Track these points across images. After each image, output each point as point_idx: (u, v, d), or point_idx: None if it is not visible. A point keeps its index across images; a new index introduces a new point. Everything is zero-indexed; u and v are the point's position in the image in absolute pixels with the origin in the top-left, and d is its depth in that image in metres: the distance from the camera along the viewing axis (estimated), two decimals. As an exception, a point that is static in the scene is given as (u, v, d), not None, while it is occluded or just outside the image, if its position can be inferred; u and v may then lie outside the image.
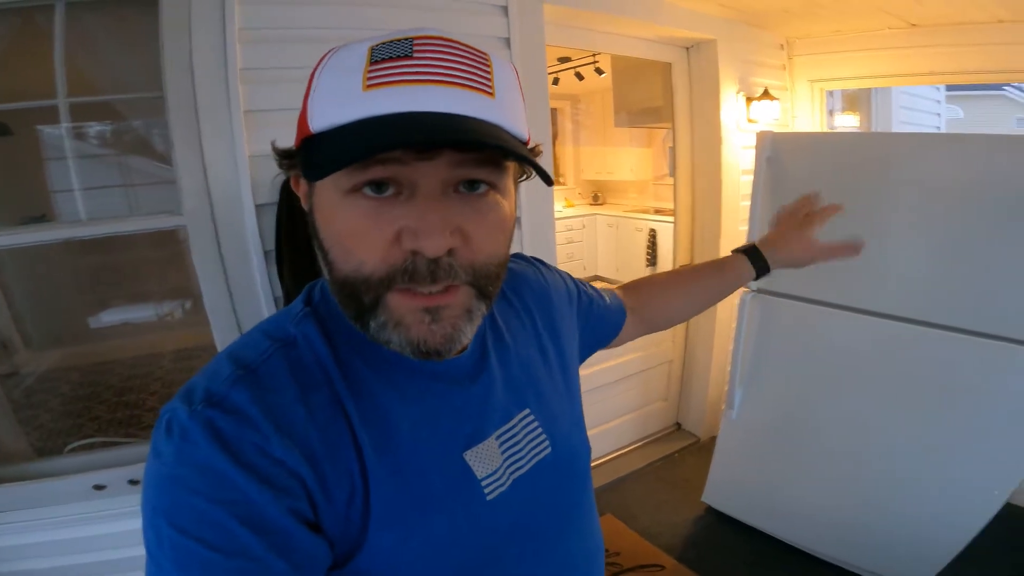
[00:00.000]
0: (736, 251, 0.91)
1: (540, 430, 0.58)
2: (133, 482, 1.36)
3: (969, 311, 1.52)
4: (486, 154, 0.41)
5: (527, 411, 0.58)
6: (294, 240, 1.37)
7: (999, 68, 2.29)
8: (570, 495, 0.61)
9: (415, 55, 0.40)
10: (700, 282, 0.90)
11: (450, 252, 0.42)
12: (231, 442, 0.40)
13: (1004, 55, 2.20)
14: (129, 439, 1.68)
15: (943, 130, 5.68)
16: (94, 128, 1.85)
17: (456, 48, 0.42)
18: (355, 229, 0.42)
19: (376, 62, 0.40)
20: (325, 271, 0.46)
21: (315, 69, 0.44)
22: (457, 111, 0.39)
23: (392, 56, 0.40)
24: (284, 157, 0.47)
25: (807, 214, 0.91)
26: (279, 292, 1.44)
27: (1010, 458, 1.52)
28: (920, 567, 1.71)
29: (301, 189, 0.48)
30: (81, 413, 2.31)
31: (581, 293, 0.77)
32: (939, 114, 5.69)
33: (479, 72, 0.42)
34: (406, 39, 0.41)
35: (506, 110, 0.43)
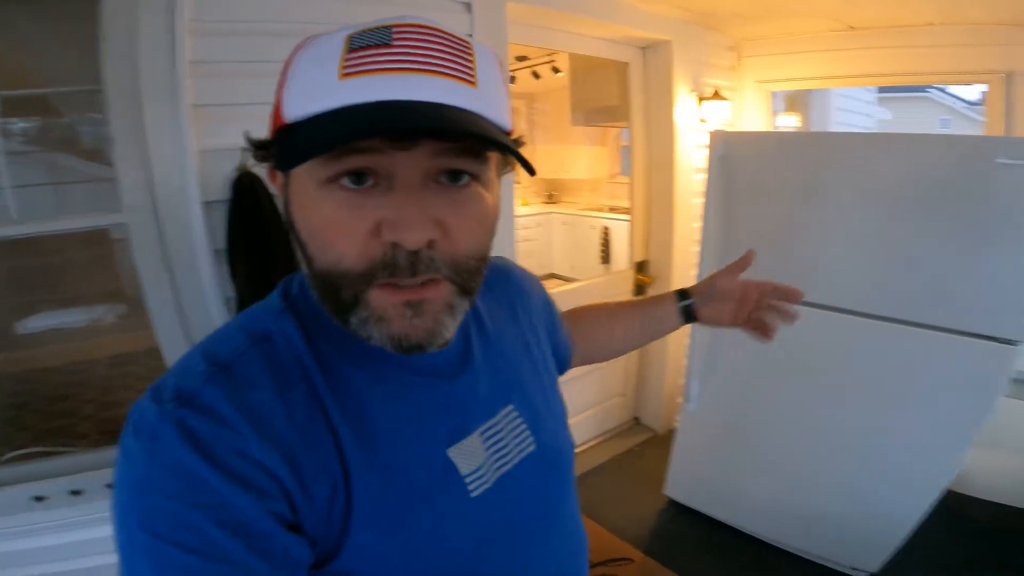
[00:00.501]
0: (677, 296, 0.85)
1: (524, 426, 0.57)
2: (75, 492, 1.29)
3: (904, 302, 1.60)
4: (467, 144, 0.40)
5: (511, 407, 0.57)
6: (248, 238, 1.31)
7: (928, 70, 2.44)
8: (555, 492, 0.60)
9: (394, 43, 0.39)
10: (636, 322, 0.87)
11: (430, 244, 0.41)
12: (205, 442, 0.38)
13: (933, 57, 2.35)
14: (68, 448, 1.58)
15: (874, 130, 6.01)
16: (18, 124, 1.72)
17: (437, 36, 0.40)
18: (333, 221, 0.40)
19: (354, 50, 0.39)
20: (304, 265, 0.45)
21: (290, 58, 0.43)
22: (437, 100, 0.38)
23: (370, 44, 0.39)
24: (258, 148, 0.45)
25: (746, 298, 0.83)
26: (231, 292, 1.37)
27: (948, 444, 1.60)
28: (870, 554, 1.79)
29: (277, 181, 0.46)
30: (12, 423, 2.15)
31: (551, 305, 0.76)
32: (870, 115, 6.04)
33: (461, 61, 0.40)
34: (385, 27, 0.40)
35: (488, 99, 0.41)
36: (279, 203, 1.38)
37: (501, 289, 0.65)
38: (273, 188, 0.47)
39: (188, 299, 1.36)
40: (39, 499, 1.27)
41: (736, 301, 0.82)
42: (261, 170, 1.33)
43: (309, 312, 0.48)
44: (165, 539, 0.36)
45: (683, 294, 0.84)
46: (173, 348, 1.36)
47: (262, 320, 0.48)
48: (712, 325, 0.84)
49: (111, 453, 1.40)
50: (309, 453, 0.42)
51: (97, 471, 1.34)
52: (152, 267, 1.32)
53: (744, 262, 0.83)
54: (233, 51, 1.32)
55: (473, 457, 0.51)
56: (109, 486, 1.27)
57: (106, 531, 1.28)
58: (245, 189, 1.30)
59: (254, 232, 1.31)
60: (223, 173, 1.32)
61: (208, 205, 1.32)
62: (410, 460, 0.47)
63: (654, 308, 0.85)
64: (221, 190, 1.32)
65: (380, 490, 0.44)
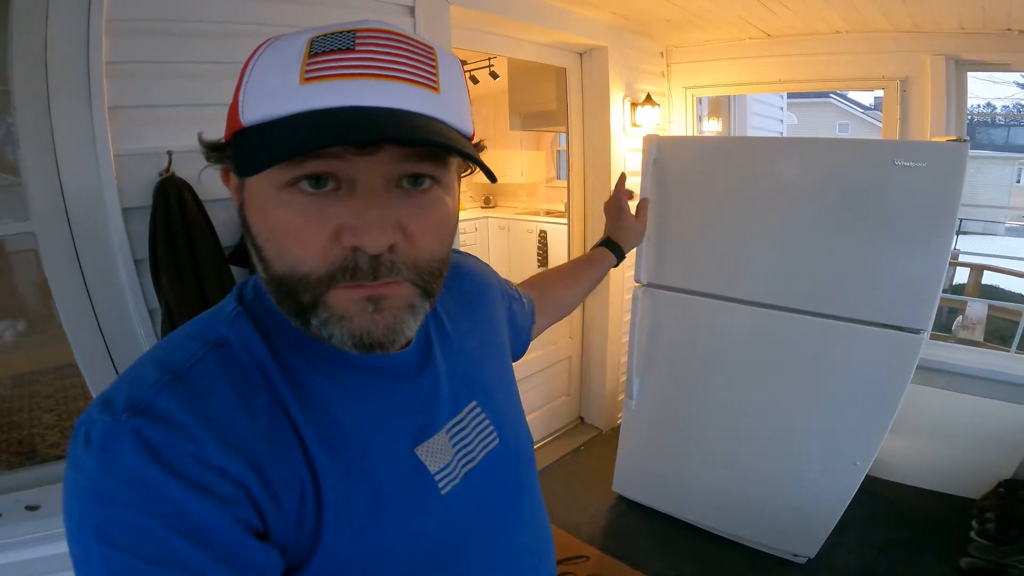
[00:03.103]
0: (597, 245, 1.12)
1: (488, 422, 0.58)
2: (31, 508, 1.22)
3: (820, 296, 1.72)
4: (429, 148, 0.40)
5: (474, 403, 0.57)
6: (171, 246, 1.23)
7: (834, 76, 2.65)
8: (520, 485, 0.61)
9: (357, 47, 0.38)
10: (583, 272, 1.07)
11: (392, 249, 0.41)
12: (161, 451, 0.37)
13: (838, 64, 2.55)
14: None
15: (785, 134, 6.45)
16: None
17: (400, 41, 0.40)
18: (291, 226, 0.40)
19: (316, 54, 0.38)
20: (259, 269, 0.44)
21: (248, 60, 0.42)
22: (400, 106, 0.38)
23: (333, 49, 0.38)
24: (212, 150, 0.43)
25: (623, 205, 1.15)
26: (155, 304, 1.28)
27: (863, 430, 1.72)
28: (807, 540, 1.90)
29: (231, 183, 0.45)
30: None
31: (509, 290, 0.78)
32: (782, 120, 6.48)
33: (423, 66, 0.40)
34: (348, 31, 0.39)
35: (450, 105, 0.42)
36: (210, 210, 1.31)
37: (457, 286, 0.65)
38: (227, 189, 0.46)
39: (107, 312, 1.26)
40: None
41: (637, 220, 1.18)
42: (191, 175, 1.26)
43: (266, 316, 0.47)
44: (124, 550, 0.35)
45: (608, 243, 1.11)
46: (93, 364, 1.26)
47: (215, 326, 0.46)
48: (633, 247, 1.17)
49: (26, 474, 1.31)
50: (275, 459, 0.41)
51: (13, 493, 1.25)
52: (65, 279, 1.21)
53: (622, 186, 1.18)
54: (154, 51, 1.25)
55: (441, 455, 0.51)
56: (29, 508, 1.18)
57: (28, 554, 1.17)
58: (170, 195, 1.22)
59: (179, 240, 1.23)
60: (144, 178, 1.23)
61: (128, 212, 1.23)
62: (377, 461, 0.47)
63: (597, 262, 1.08)
64: (142, 196, 1.24)
65: (350, 492, 0.44)
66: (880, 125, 2.76)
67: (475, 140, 0.47)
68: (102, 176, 1.18)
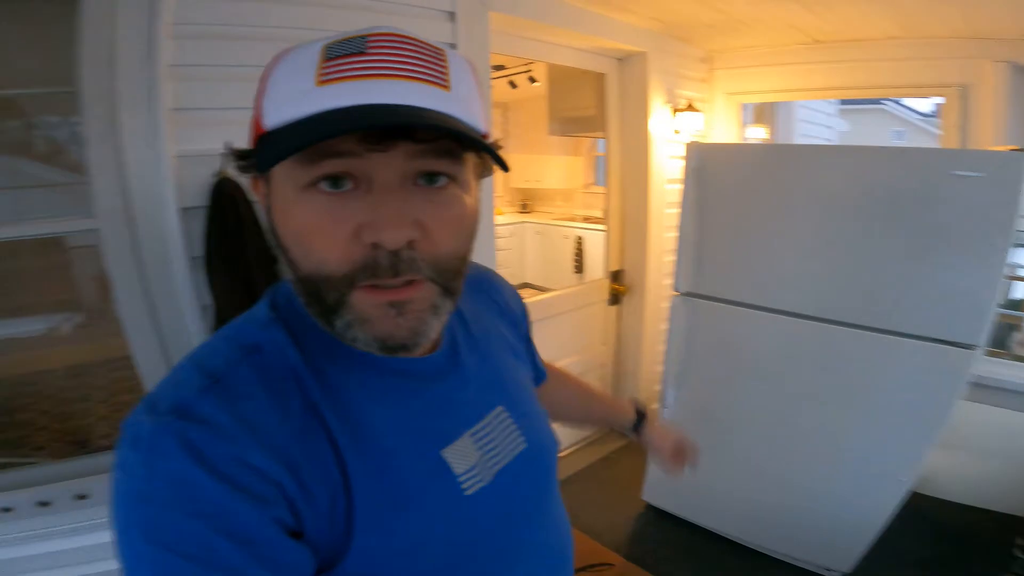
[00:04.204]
0: (633, 402, 0.97)
1: (515, 426, 0.58)
2: (42, 504, 1.25)
3: (868, 309, 1.66)
4: (443, 145, 0.41)
5: (500, 408, 0.58)
6: (226, 245, 1.28)
7: (888, 83, 2.56)
8: (544, 489, 0.62)
9: (368, 51, 0.40)
10: (596, 403, 0.97)
11: (411, 245, 0.41)
12: (205, 453, 0.38)
13: (893, 70, 2.46)
14: (30, 460, 1.52)
15: (834, 142, 6.23)
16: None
17: (410, 43, 0.42)
18: (313, 226, 0.41)
19: (329, 59, 0.40)
20: (288, 271, 0.45)
21: (268, 68, 0.44)
22: (410, 102, 0.39)
23: (346, 53, 0.40)
24: (240, 157, 0.46)
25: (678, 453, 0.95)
26: (207, 300, 1.34)
27: (910, 446, 1.66)
28: (842, 554, 1.84)
29: (259, 190, 0.47)
30: (-35, 434, 2.05)
31: (530, 328, 0.77)
32: (831, 127, 6.26)
33: (433, 66, 0.42)
34: (360, 36, 0.41)
35: (461, 102, 0.42)
36: (259, 211, 1.36)
37: (486, 294, 0.67)
38: (255, 196, 0.48)
39: (163, 308, 1.32)
40: (6, 510, 1.23)
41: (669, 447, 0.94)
42: (241, 176, 1.32)
43: (297, 320, 0.48)
44: (169, 549, 0.36)
45: (641, 414, 0.94)
46: (148, 358, 1.32)
47: (250, 332, 0.48)
48: (648, 448, 0.96)
49: (77, 464, 1.38)
50: (309, 460, 0.42)
51: (64, 482, 1.30)
52: (126, 275, 1.28)
53: (684, 457, 0.95)
54: (212, 55, 1.30)
55: (467, 458, 0.52)
56: (78, 497, 1.25)
57: (76, 542, 1.22)
58: (223, 195, 1.28)
59: (232, 239, 1.28)
60: (200, 178, 1.29)
61: (185, 211, 1.29)
62: (405, 463, 0.48)
63: (616, 409, 0.95)
64: (198, 196, 1.30)
65: (378, 493, 0.45)
66: (938, 133, 2.64)
67: (491, 140, 0.48)
68: (162, 176, 1.24)
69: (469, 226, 0.47)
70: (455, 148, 0.42)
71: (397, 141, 0.40)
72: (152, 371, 1.34)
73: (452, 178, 0.44)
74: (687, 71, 2.72)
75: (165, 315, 1.33)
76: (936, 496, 2.27)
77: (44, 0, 1.31)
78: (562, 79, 3.39)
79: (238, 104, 1.33)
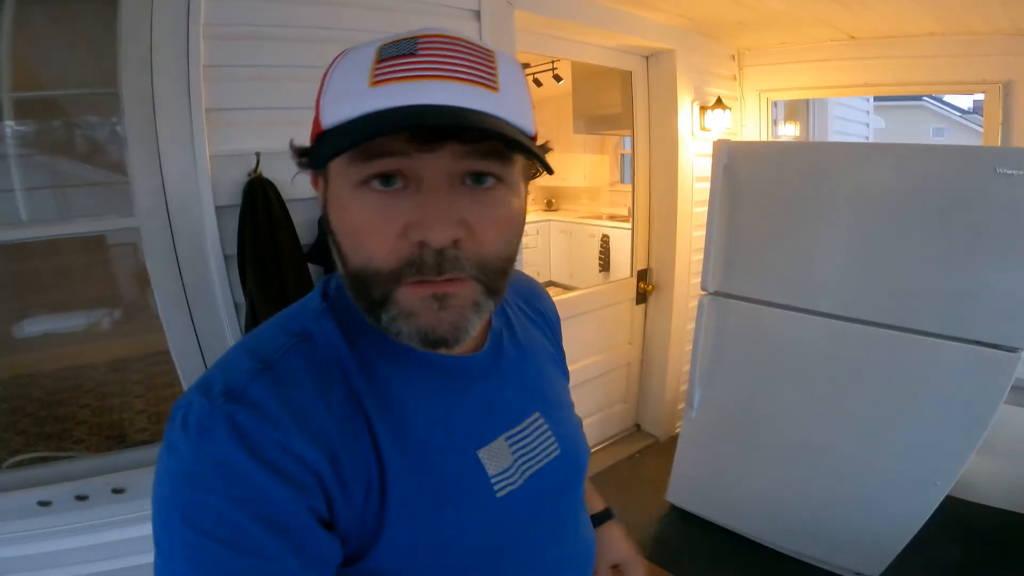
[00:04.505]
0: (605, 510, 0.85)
1: (550, 432, 0.59)
2: (80, 498, 1.28)
3: (906, 310, 1.62)
4: (490, 145, 0.42)
5: (538, 414, 0.58)
6: (258, 244, 1.31)
7: (926, 80, 2.47)
8: (572, 496, 0.62)
9: (419, 52, 0.40)
10: None
11: (456, 244, 0.42)
12: (251, 437, 0.39)
13: (931, 67, 2.38)
14: (69, 454, 1.57)
15: (871, 139, 6.05)
16: (17, 128, 1.72)
17: (460, 45, 0.42)
18: (364, 222, 0.42)
19: (383, 60, 0.41)
20: (339, 265, 0.46)
21: (328, 69, 0.45)
22: (459, 104, 0.40)
23: (397, 55, 0.41)
24: (300, 155, 0.46)
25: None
26: (240, 298, 1.38)
27: (949, 450, 1.61)
28: (872, 558, 1.79)
29: (318, 187, 0.48)
30: (6, 428, 2.14)
31: (560, 333, 0.75)
32: (867, 124, 6.08)
33: (483, 68, 0.42)
34: (411, 38, 0.42)
35: (510, 104, 0.43)
36: (292, 210, 1.38)
37: (534, 302, 0.68)
38: (315, 192, 0.49)
39: (199, 305, 1.36)
40: (44, 504, 1.27)
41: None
42: (276, 175, 1.35)
43: (347, 312, 0.50)
44: (205, 533, 0.37)
45: (608, 513, 0.84)
46: (184, 353, 1.36)
47: (302, 320, 0.49)
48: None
49: (114, 458, 1.41)
50: (348, 450, 0.43)
51: (102, 476, 1.33)
52: (164, 273, 1.32)
53: None
54: (247, 56, 1.32)
55: (501, 459, 0.52)
56: (115, 491, 1.29)
57: (113, 535, 1.25)
58: (257, 195, 1.31)
59: (265, 238, 1.31)
60: (235, 178, 1.32)
61: (220, 210, 1.33)
62: (441, 459, 0.48)
63: (592, 496, 0.85)
64: (233, 195, 1.33)
65: (413, 487, 0.46)
66: (980, 130, 2.55)
67: (539, 142, 0.48)
68: (199, 176, 1.28)
69: (515, 227, 0.47)
70: (502, 149, 0.43)
71: (444, 142, 0.40)
72: (188, 366, 1.37)
73: (499, 179, 0.44)
74: (716, 68, 2.68)
75: (200, 311, 1.36)
76: (971, 500, 2.20)
77: (85, 2, 1.35)
78: (587, 77, 3.38)
79: (269, 104, 1.37)
